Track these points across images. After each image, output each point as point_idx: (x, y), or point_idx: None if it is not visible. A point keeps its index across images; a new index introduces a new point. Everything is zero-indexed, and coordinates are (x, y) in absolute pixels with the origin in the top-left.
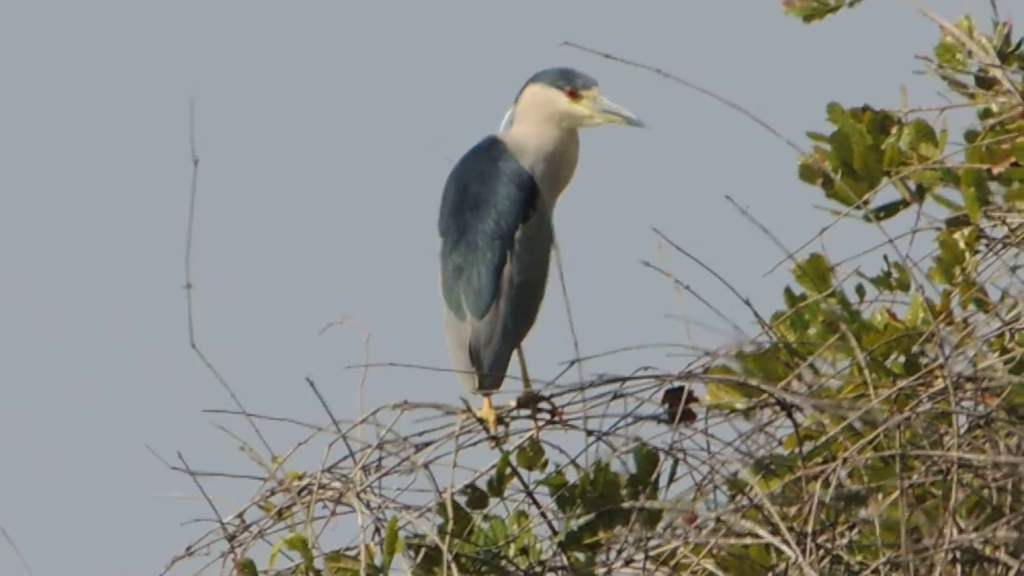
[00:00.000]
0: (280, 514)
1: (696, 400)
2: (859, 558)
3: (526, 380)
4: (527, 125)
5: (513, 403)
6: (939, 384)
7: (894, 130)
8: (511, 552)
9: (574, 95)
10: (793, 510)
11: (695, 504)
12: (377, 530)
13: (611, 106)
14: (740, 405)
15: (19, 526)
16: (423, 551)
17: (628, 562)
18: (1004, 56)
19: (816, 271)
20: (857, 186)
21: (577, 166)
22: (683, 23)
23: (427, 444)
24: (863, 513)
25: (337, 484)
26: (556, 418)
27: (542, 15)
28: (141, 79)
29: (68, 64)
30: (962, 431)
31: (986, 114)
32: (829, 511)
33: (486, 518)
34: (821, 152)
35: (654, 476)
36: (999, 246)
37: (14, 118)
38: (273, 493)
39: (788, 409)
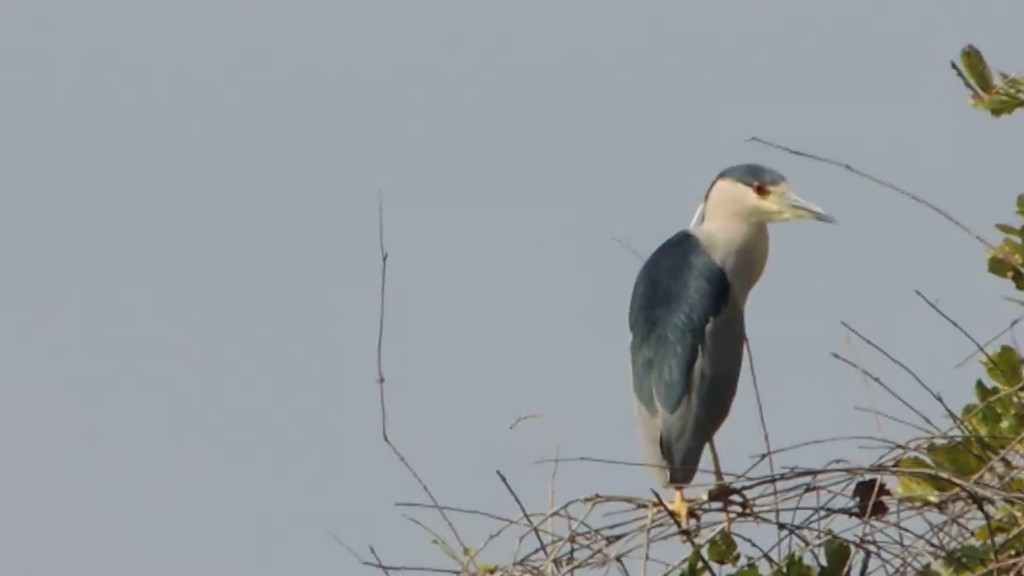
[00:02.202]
0: None
1: (888, 493)
2: None
3: (718, 473)
4: (717, 220)
5: (705, 496)
6: None
7: None
8: None
9: (762, 191)
10: None
11: None
12: None
13: (799, 201)
14: (932, 498)
15: None
16: None
17: None
18: None
19: (1007, 364)
20: None
21: (768, 260)
22: (870, 115)
23: (619, 537)
24: None
25: None
26: (747, 511)
27: (731, 110)
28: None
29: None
30: None
31: None
32: None
33: None
34: (1011, 244)
35: (846, 570)
36: None
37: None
38: None
39: (980, 502)
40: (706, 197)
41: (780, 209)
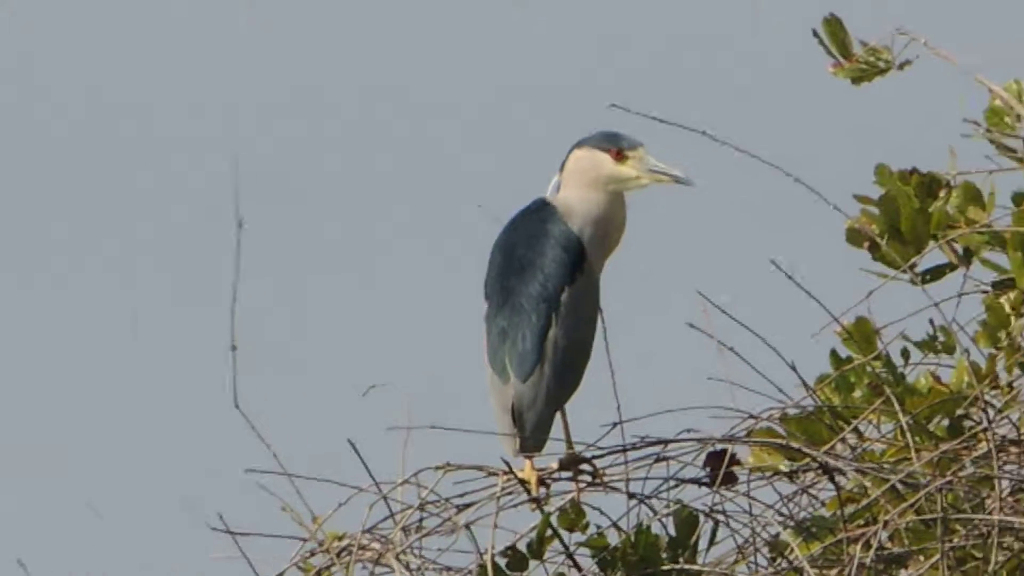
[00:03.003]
0: (320, 575)
1: (738, 463)
2: None
3: (569, 442)
4: (574, 190)
5: (555, 465)
6: (983, 448)
7: (942, 193)
8: None
9: (620, 156)
10: (834, 572)
11: (736, 567)
12: None
13: (658, 165)
14: (783, 468)
15: None
16: None
17: None
18: None
19: (862, 334)
20: (904, 249)
21: (625, 230)
22: (731, 85)
23: (468, 505)
24: (904, 575)
25: (377, 545)
26: (598, 480)
27: (588, 78)
28: (184, 140)
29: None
30: (1004, 494)
31: None
32: (870, 573)
33: None
34: (868, 215)
35: (694, 539)
36: None
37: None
38: (313, 554)
39: (831, 472)
40: (561, 168)
41: (639, 174)
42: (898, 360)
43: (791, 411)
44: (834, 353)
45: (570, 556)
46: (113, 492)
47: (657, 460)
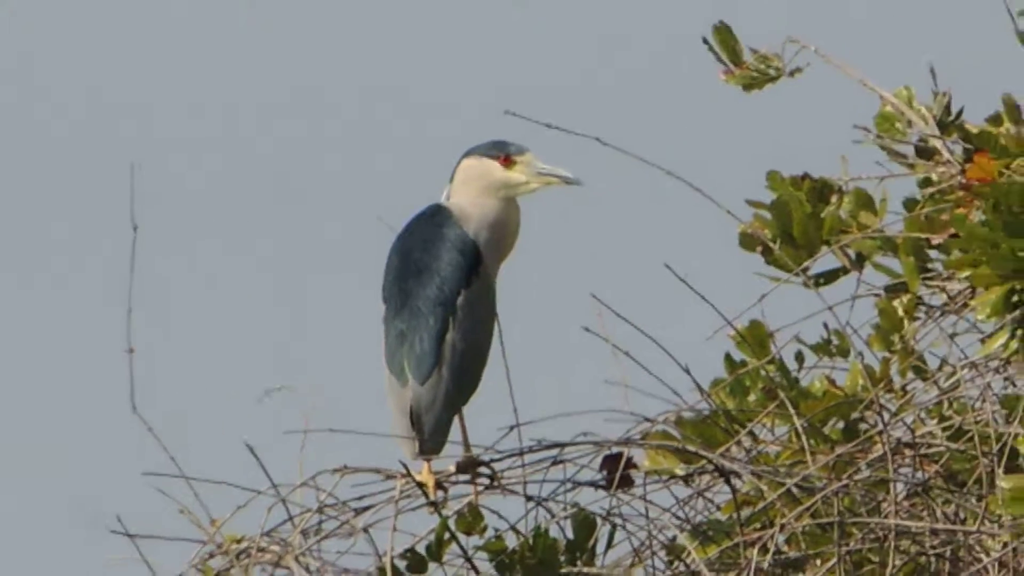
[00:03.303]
0: None
1: (634, 466)
2: None
3: (466, 445)
4: (466, 198)
5: (453, 468)
6: (878, 451)
7: (834, 198)
8: None
9: (508, 162)
10: None
11: (633, 570)
12: None
13: (546, 168)
14: (679, 471)
15: None
16: None
17: None
18: (944, 126)
19: (756, 338)
20: (797, 254)
21: (519, 234)
22: (622, 91)
23: (367, 508)
24: None
25: (276, 548)
26: (495, 483)
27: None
28: (83, 135)
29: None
30: (900, 498)
31: (926, 183)
32: None
33: None
34: (761, 220)
35: (592, 542)
36: (938, 314)
37: None
38: (212, 556)
39: (726, 475)
40: (451, 179)
41: (528, 179)
42: (792, 364)
43: (686, 414)
44: (728, 357)
45: (468, 559)
46: (8, 494)
47: (554, 463)
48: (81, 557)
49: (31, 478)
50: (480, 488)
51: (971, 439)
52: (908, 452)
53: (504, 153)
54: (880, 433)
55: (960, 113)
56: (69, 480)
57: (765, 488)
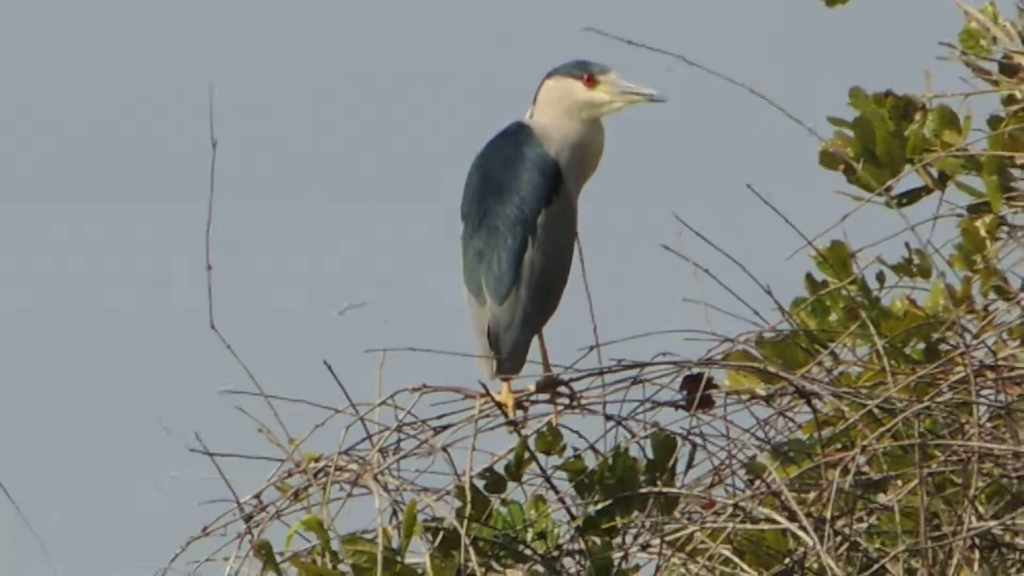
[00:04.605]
0: (297, 495)
1: (715, 386)
2: (877, 545)
3: (546, 365)
4: (549, 119)
5: (532, 388)
6: (959, 372)
7: (917, 116)
8: (529, 536)
9: (592, 82)
10: (811, 497)
11: (712, 490)
12: (394, 513)
13: (630, 87)
14: (760, 391)
15: (35, 507)
16: (441, 534)
17: (645, 547)
18: None
19: (837, 258)
20: (879, 173)
21: (602, 156)
22: (704, 9)
23: (446, 427)
24: (882, 500)
25: (354, 466)
26: (575, 403)
27: (560, 6)
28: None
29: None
30: (982, 420)
31: (1009, 100)
32: (847, 498)
33: (504, 502)
34: (843, 138)
35: (672, 462)
36: (1020, 234)
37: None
38: (290, 475)
39: (807, 396)
40: (534, 100)
41: (611, 98)
42: (873, 283)
43: (767, 335)
44: (809, 277)
45: (547, 479)
46: (89, 413)
47: (634, 383)
48: (160, 476)
49: (112, 397)
50: (559, 408)
51: None
52: (990, 374)
53: (587, 72)
54: (962, 354)
55: None
56: (148, 398)
57: (846, 409)
